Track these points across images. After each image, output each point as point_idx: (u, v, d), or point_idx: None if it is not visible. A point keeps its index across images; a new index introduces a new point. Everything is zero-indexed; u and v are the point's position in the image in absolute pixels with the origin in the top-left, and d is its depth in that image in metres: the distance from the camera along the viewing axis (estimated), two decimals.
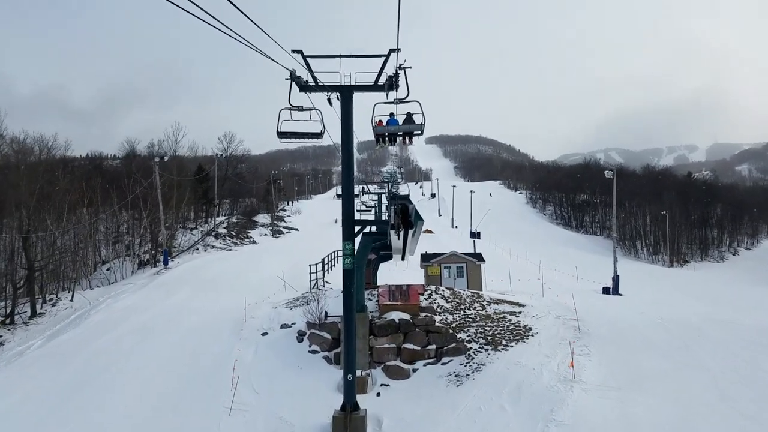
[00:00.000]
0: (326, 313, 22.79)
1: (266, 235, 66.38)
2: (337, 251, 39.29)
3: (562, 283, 42.95)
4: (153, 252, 45.32)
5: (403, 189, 30.01)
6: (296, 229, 73.26)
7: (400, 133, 14.53)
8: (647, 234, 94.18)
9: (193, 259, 46.43)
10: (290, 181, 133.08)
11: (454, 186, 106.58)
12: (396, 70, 17.45)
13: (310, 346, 21.98)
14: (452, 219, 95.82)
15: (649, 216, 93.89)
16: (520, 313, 23.60)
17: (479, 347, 20.89)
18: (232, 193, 76.53)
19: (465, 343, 21.12)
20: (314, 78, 18.32)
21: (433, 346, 21.19)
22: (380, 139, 14.73)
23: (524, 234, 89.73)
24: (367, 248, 21.43)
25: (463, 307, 23.70)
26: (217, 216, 67.23)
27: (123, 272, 42.72)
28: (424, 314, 22.14)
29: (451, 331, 21.66)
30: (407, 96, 14.04)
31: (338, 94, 18.04)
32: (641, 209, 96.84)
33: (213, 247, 53.39)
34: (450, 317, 22.75)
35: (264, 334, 23.44)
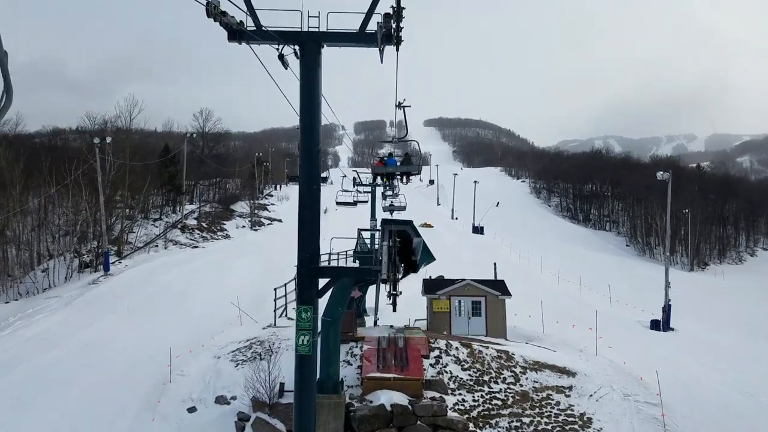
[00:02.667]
0: (282, 385, 15.17)
1: (244, 227, 58.49)
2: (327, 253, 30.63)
3: (589, 302, 35.54)
4: (97, 251, 37.43)
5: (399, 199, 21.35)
6: (279, 220, 65.27)
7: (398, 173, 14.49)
8: (663, 232, 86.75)
9: (146, 260, 38.62)
10: (281, 162, 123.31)
11: (456, 174, 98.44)
12: (397, 7, 10.07)
13: None
14: (452, 210, 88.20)
15: (666, 213, 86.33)
16: (570, 388, 16.02)
17: None
18: (207, 177, 68.26)
19: None
20: (256, 20, 10.84)
21: None
22: (379, 177, 14.54)
23: (531, 229, 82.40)
24: (344, 297, 13.78)
25: (487, 377, 16.08)
26: (190, 203, 59.07)
27: (57, 277, 34.96)
28: (430, 395, 14.56)
29: (471, 426, 14.13)
30: (406, 135, 13.81)
31: (297, 46, 10.69)
32: (660, 205, 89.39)
33: (176, 243, 45.43)
34: (469, 398, 15.17)
35: (191, 409, 15.86)
